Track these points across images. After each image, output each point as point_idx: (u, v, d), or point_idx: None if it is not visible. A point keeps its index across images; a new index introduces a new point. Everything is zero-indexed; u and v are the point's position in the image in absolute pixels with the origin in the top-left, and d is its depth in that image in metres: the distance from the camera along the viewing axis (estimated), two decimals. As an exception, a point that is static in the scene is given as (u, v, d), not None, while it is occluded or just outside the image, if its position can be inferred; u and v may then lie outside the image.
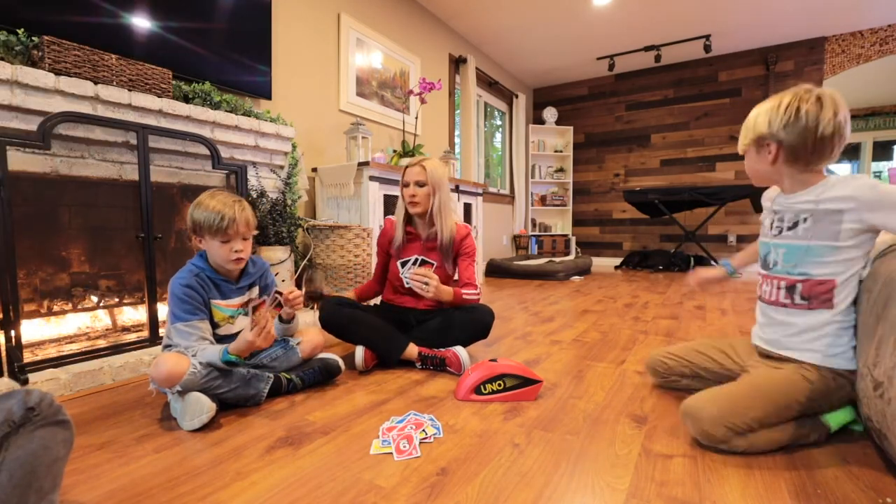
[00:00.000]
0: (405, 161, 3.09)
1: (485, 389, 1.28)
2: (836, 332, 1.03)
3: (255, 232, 1.33)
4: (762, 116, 1.06)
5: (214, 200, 1.24)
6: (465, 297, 1.62)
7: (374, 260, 2.52)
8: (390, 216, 1.83)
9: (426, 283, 1.48)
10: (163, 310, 1.75)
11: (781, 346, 1.10)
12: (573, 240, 5.84)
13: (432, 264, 1.51)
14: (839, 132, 0.99)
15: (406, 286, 1.51)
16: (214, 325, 1.30)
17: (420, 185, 1.63)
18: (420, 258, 1.51)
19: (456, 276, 1.74)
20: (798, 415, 1.02)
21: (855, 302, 1.03)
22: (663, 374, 1.35)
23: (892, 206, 0.94)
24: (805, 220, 1.05)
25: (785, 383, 1.02)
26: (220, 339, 1.30)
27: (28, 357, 1.41)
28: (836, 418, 1.05)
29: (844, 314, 1.02)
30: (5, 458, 0.61)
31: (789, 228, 1.08)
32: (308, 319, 2.14)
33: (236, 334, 1.36)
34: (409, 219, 1.73)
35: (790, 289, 1.07)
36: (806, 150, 1.01)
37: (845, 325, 1.03)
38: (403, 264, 1.51)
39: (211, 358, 1.17)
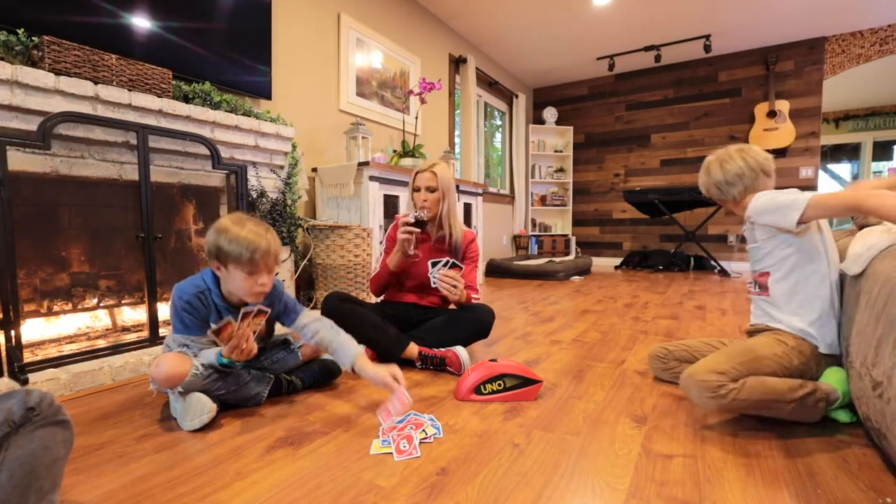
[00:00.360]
0: (407, 162, 3.09)
1: (485, 389, 1.28)
2: (793, 311, 1.21)
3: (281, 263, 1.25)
4: (713, 187, 1.35)
5: (245, 230, 1.12)
6: (471, 298, 1.68)
7: (375, 257, 2.52)
8: (399, 214, 1.86)
9: (454, 286, 1.53)
10: (163, 310, 1.75)
11: (762, 321, 1.30)
12: (573, 240, 5.85)
13: (461, 268, 1.56)
14: (749, 170, 1.28)
15: (433, 286, 1.54)
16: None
17: (431, 190, 1.68)
18: (451, 261, 1.55)
19: None
20: (788, 374, 1.14)
21: (841, 295, 1.19)
22: (663, 360, 1.44)
23: (763, 210, 1.19)
24: (745, 230, 1.33)
25: (765, 341, 1.19)
26: None
27: (28, 357, 1.41)
28: (835, 380, 1.13)
29: (789, 300, 1.21)
30: (5, 458, 0.61)
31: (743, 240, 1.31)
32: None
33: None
34: None
35: (753, 281, 1.33)
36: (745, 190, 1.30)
37: (795, 308, 1.21)
38: (434, 264, 1.55)
39: (210, 360, 1.17)
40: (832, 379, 1.14)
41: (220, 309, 1.22)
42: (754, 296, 1.32)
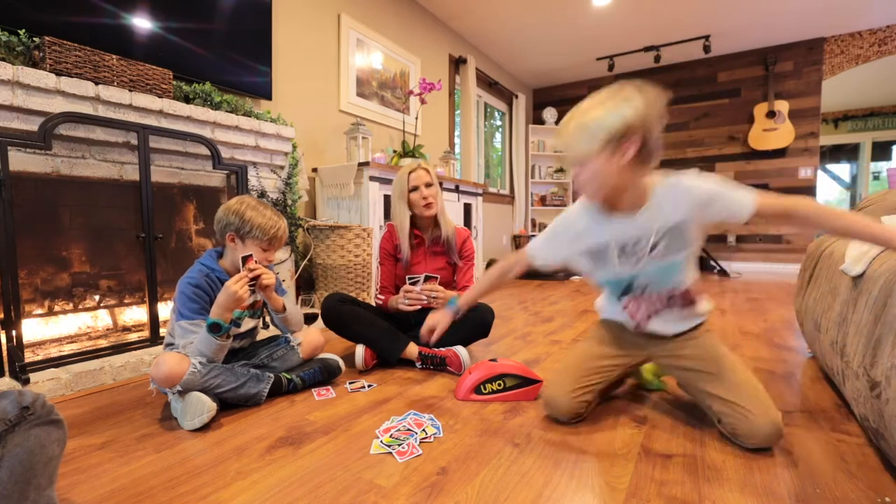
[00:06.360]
0: (407, 162, 3.09)
1: (485, 389, 1.29)
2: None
3: None
4: (612, 111, 0.87)
5: (269, 211, 1.31)
6: None
7: (375, 261, 2.53)
8: (392, 222, 1.83)
9: (436, 297, 1.57)
10: (163, 310, 1.76)
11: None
12: (573, 240, 5.84)
13: (436, 278, 1.60)
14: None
15: (407, 305, 1.62)
16: None
17: (429, 185, 1.67)
18: (426, 275, 1.58)
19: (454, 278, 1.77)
20: None
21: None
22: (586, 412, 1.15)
23: (716, 197, 0.95)
24: (662, 235, 0.99)
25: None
26: None
27: (29, 357, 1.42)
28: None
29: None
30: (3, 455, 0.62)
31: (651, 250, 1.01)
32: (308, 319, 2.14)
33: (244, 334, 1.37)
34: (412, 223, 1.72)
35: (673, 296, 1.09)
36: (657, 143, 0.87)
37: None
38: (414, 283, 1.58)
39: (202, 338, 1.17)
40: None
41: (224, 282, 1.28)
42: (679, 310, 1.10)
